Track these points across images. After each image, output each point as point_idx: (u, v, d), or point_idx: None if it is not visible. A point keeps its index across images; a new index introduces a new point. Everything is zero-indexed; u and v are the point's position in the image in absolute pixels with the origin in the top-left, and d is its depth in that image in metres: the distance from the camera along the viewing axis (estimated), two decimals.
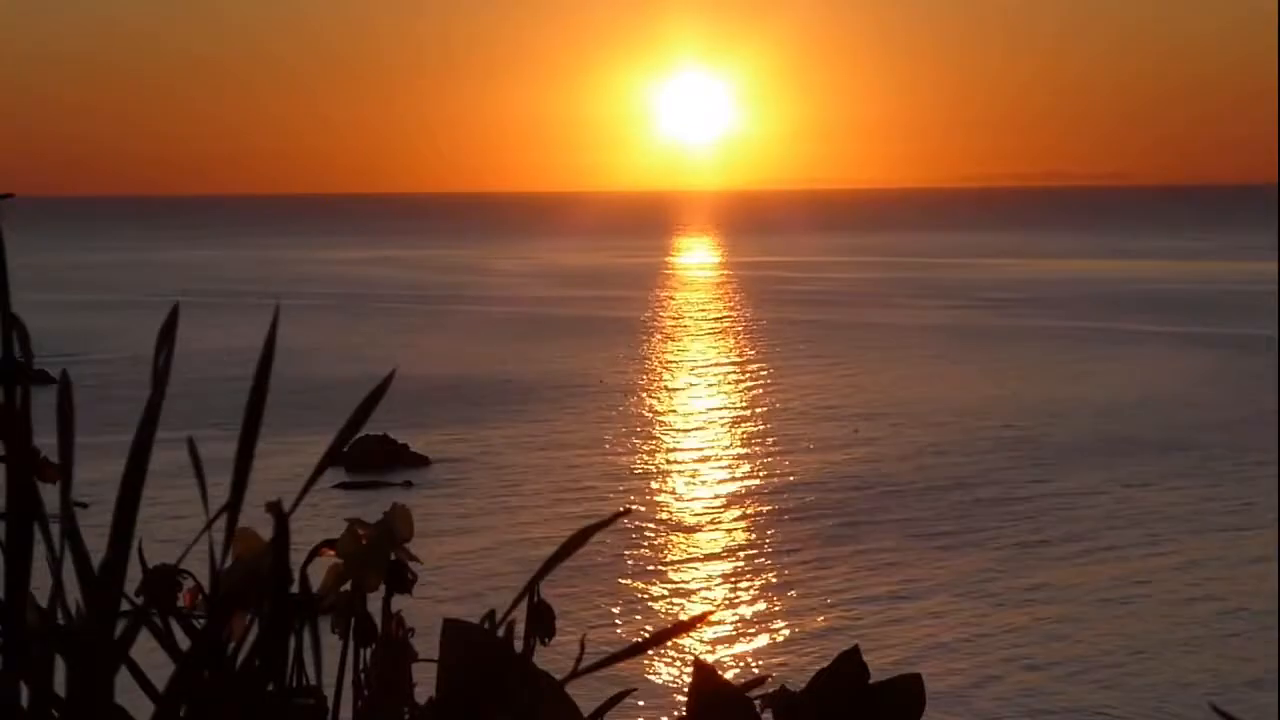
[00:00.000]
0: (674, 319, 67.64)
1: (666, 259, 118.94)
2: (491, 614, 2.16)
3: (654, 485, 30.70)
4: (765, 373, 48.54)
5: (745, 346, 56.76)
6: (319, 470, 1.85)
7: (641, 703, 17.30)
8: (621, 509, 1.88)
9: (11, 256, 1.81)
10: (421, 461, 32.20)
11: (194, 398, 36.48)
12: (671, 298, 79.67)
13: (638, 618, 21.61)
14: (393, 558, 2.21)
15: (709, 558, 25.47)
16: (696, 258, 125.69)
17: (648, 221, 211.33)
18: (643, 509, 27.75)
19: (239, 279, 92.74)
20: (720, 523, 27.82)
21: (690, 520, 27.93)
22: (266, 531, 1.87)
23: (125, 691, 1.86)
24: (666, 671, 18.59)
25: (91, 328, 60.13)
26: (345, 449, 1.88)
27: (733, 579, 24.25)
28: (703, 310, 72.78)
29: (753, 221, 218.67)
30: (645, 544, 25.68)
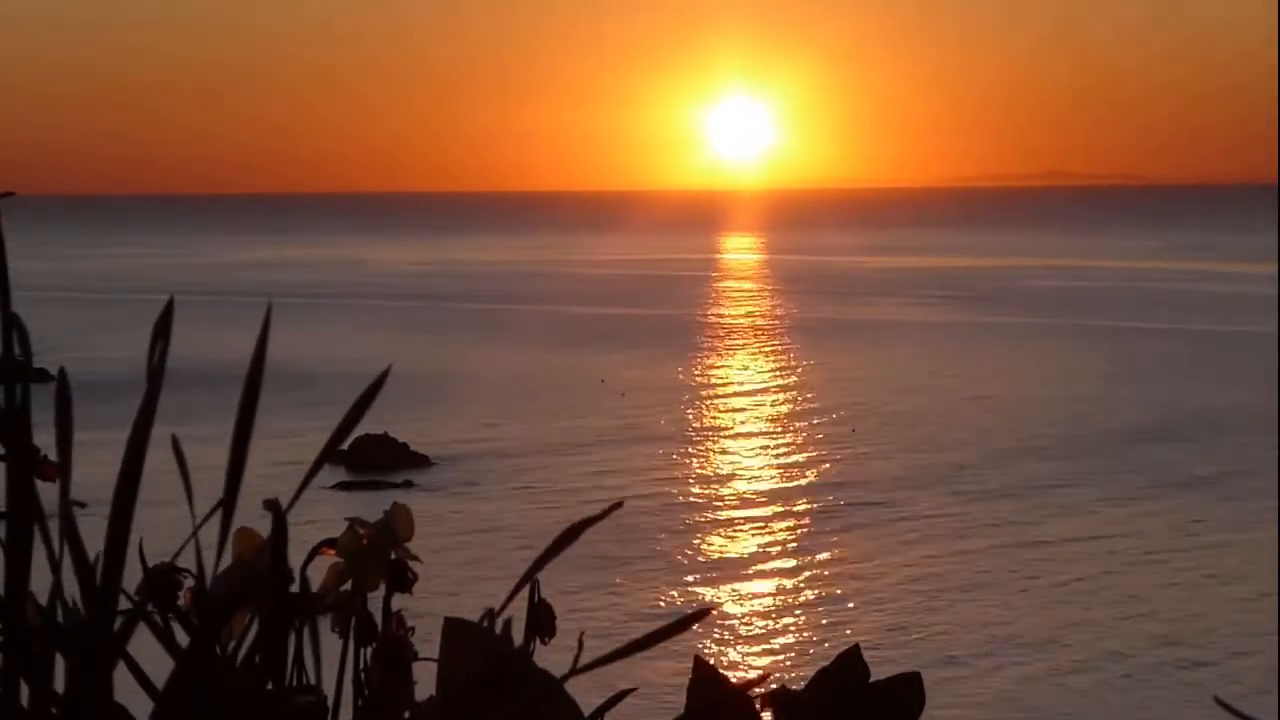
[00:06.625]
0: (675, 319, 67.59)
1: (667, 258, 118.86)
2: (491, 611, 2.15)
3: (653, 483, 30.67)
4: (766, 371, 48.55)
5: (748, 346, 56.77)
6: (317, 466, 1.84)
7: (641, 701, 17.29)
8: (616, 502, 1.88)
9: (13, 254, 1.81)
10: (423, 461, 32.17)
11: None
12: (673, 297, 79.59)
13: (637, 616, 21.60)
14: (393, 557, 2.21)
15: (707, 555, 25.46)
16: (709, 255, 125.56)
17: (676, 222, 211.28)
18: (642, 506, 27.73)
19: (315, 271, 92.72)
20: (719, 520, 27.81)
21: (689, 517, 27.92)
22: (266, 529, 1.86)
23: (125, 690, 1.86)
24: (667, 669, 18.59)
25: (91, 324, 60.16)
26: (344, 447, 1.88)
27: (732, 576, 24.25)
28: (708, 309, 72.75)
29: (779, 219, 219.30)
30: (643, 541, 25.66)
